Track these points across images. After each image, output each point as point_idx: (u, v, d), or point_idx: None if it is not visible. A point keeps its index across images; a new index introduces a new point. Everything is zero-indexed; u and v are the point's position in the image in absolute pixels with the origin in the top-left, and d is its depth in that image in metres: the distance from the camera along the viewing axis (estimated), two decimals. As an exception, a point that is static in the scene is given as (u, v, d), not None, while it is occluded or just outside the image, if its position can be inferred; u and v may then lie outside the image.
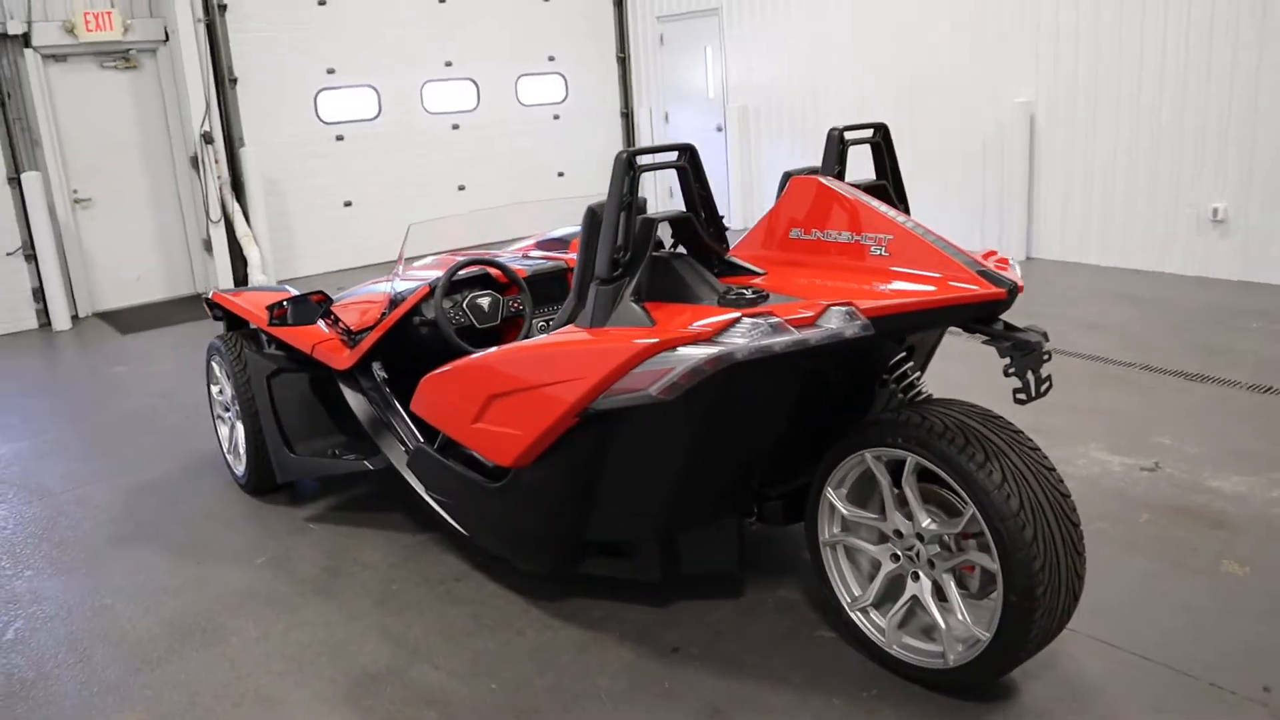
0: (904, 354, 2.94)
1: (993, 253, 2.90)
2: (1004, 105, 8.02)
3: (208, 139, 8.88)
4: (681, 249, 2.86)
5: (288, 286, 4.49)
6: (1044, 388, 2.52)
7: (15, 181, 8.18)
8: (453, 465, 3.28)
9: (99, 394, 6.44)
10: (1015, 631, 2.41)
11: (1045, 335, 2.51)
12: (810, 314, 2.37)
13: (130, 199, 9.03)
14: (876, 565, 2.78)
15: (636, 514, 2.86)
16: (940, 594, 2.62)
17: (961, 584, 2.61)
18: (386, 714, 2.84)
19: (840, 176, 3.06)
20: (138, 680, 3.14)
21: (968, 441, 2.43)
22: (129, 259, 9.08)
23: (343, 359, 3.89)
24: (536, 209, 5.98)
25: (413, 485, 3.60)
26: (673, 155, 2.79)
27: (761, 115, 10.31)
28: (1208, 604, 3.04)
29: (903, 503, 2.64)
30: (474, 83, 10.84)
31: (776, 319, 2.37)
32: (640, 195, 2.87)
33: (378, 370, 3.87)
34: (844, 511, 2.78)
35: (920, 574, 2.65)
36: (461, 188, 10.92)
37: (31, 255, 8.32)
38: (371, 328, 3.84)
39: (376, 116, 10.25)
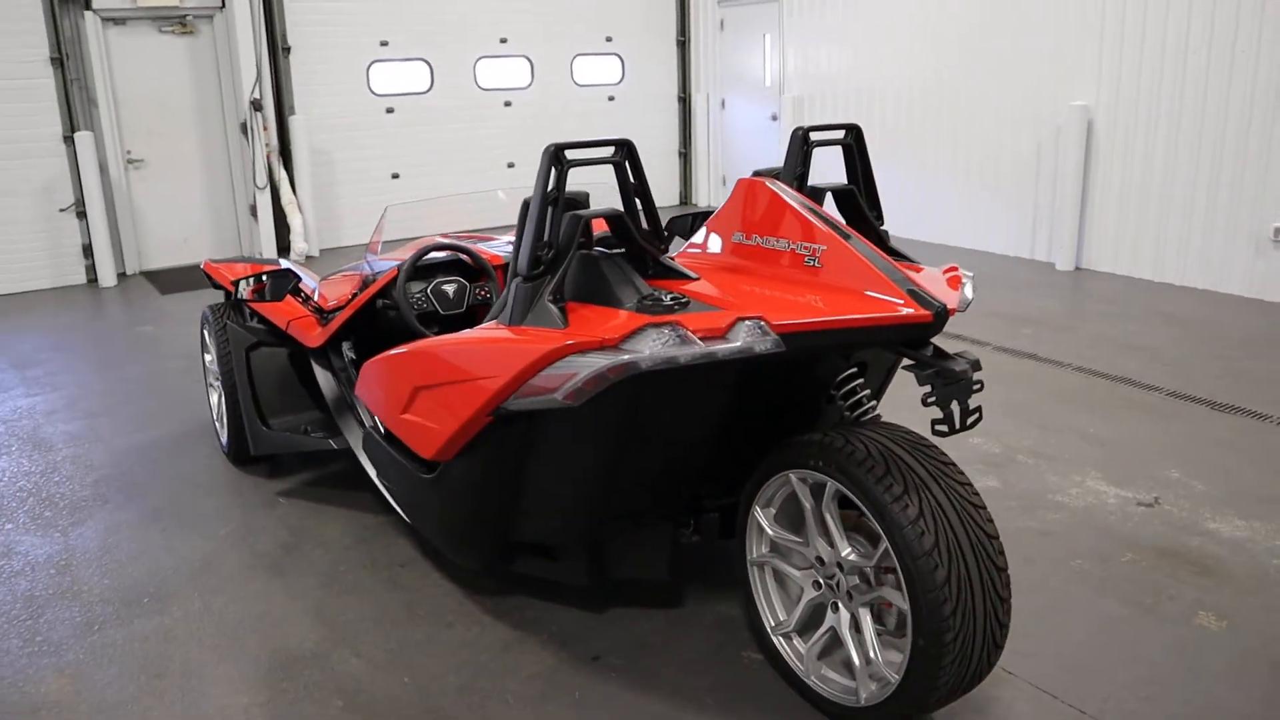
0: (853, 370, 2.78)
1: (953, 268, 2.72)
2: (1061, 108, 7.66)
3: (256, 106, 9.00)
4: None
5: (285, 260, 4.49)
6: (970, 420, 2.35)
7: (70, 140, 8.39)
8: (394, 453, 3.23)
9: (123, 352, 6.58)
10: (923, 676, 2.25)
11: (976, 364, 2.34)
12: (721, 326, 2.24)
13: (181, 162, 9.21)
14: (801, 590, 2.65)
15: (556, 516, 2.77)
16: (859, 627, 2.48)
17: (880, 620, 2.47)
18: (295, 699, 2.81)
19: (804, 179, 2.91)
20: (79, 643, 3.17)
21: (887, 470, 2.28)
22: (177, 220, 9.27)
23: (314, 337, 3.87)
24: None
25: (366, 468, 3.57)
26: (608, 150, 2.67)
27: (815, 107, 10.05)
28: (1169, 659, 2.83)
29: (827, 529, 2.50)
30: (528, 60, 10.79)
31: (683, 330, 2.24)
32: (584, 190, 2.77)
33: (347, 351, 3.84)
34: (770, 532, 2.65)
35: (840, 604, 2.51)
36: (511, 165, 10.90)
37: (83, 213, 8.55)
38: (343, 307, 3.81)
39: (428, 90, 10.27)
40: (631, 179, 2.70)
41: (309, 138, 9.49)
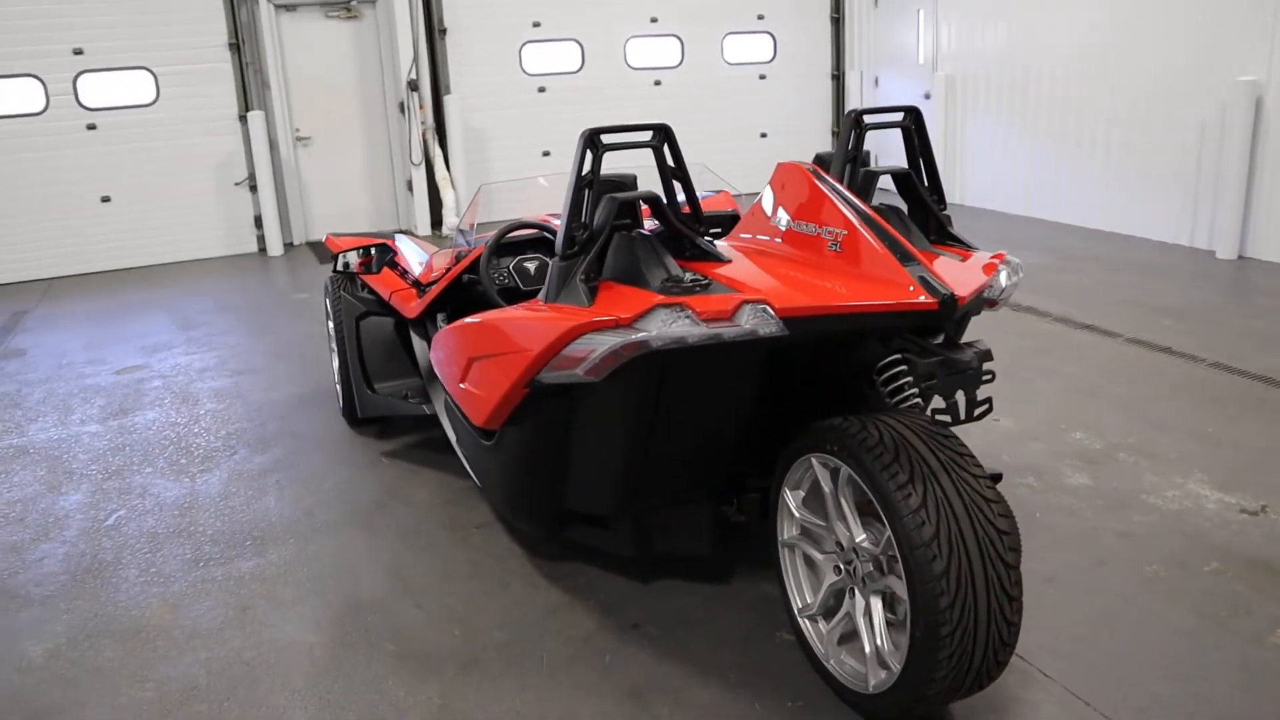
0: (897, 357, 2.73)
1: (999, 256, 2.64)
2: (1226, 84, 7.07)
3: (413, 86, 9.47)
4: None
5: (401, 236, 4.76)
6: (978, 411, 2.28)
7: (244, 119, 9.10)
8: (463, 419, 3.40)
9: (276, 317, 7.13)
10: (920, 669, 2.23)
11: (986, 354, 2.26)
12: (727, 309, 2.27)
13: (344, 139, 9.81)
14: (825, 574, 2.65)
15: (596, 488, 2.87)
16: (871, 614, 2.47)
17: (892, 608, 2.44)
18: (354, 641, 3.04)
19: (856, 162, 2.88)
20: (184, 576, 3.53)
21: (895, 458, 2.25)
22: (340, 194, 9.89)
23: (412, 308, 4.11)
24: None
25: (448, 434, 3.78)
26: (647, 135, 2.73)
27: (969, 85, 9.66)
28: (1227, 677, 2.66)
29: (843, 513, 2.49)
30: (678, 39, 10.85)
31: (690, 312, 2.29)
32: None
33: (440, 322, 4.06)
34: (797, 515, 2.66)
35: (856, 590, 2.50)
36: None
37: (254, 186, 9.26)
38: (436, 281, 4.02)
39: (579, 70, 10.51)
40: (670, 163, 2.75)
41: (463, 116, 9.91)
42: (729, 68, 11.11)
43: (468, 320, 3.07)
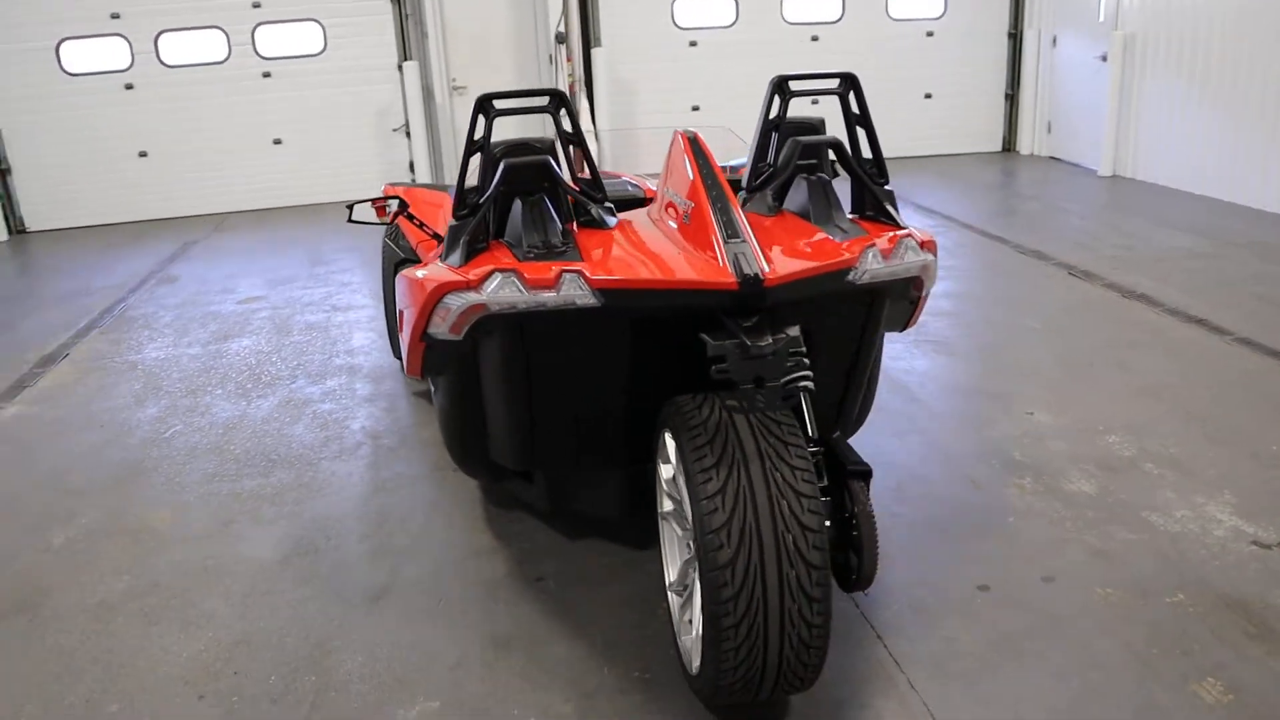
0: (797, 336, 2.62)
1: (904, 234, 2.46)
2: None
3: (560, 39, 9.65)
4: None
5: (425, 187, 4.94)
6: (780, 399, 2.15)
7: (401, 69, 9.61)
8: None
9: (393, 258, 7.57)
10: (710, 658, 2.17)
11: (794, 340, 2.13)
12: (550, 277, 2.27)
13: (497, 89, 10.13)
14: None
15: (500, 442, 2.94)
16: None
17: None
18: (296, 564, 3.28)
19: (779, 130, 2.76)
20: (198, 488, 3.89)
21: (709, 440, 2.19)
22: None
23: (430, 258, 4.28)
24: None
25: None
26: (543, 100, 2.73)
27: (1149, 46, 8.75)
28: None
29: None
30: (840, -8, 10.46)
31: (519, 278, 2.30)
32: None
33: None
34: (665, 489, 2.63)
35: (692, 569, 2.46)
36: (815, 101, 10.70)
37: (409, 133, 9.79)
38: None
39: (733, 24, 10.35)
40: (569, 129, 2.74)
41: (610, 70, 10.01)
42: (893, 24, 10.59)
43: (401, 272, 3.19)
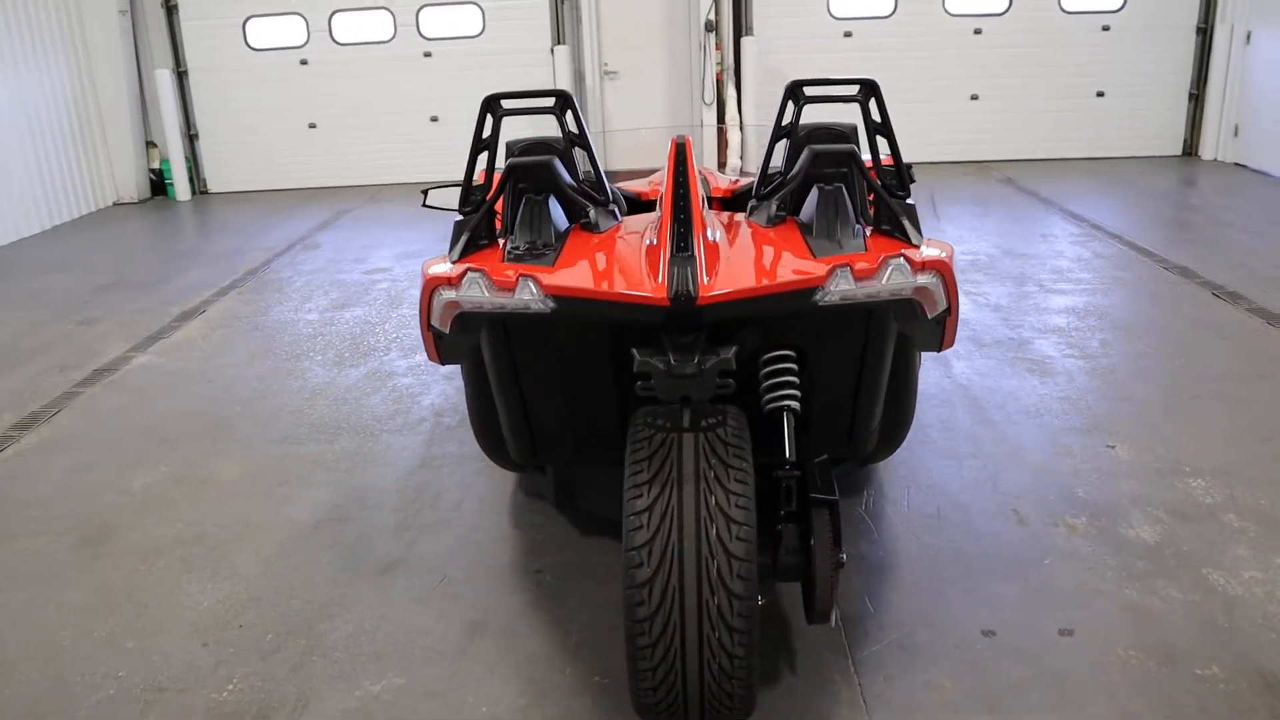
0: (786, 353, 2.53)
1: (894, 251, 2.33)
2: None
3: (709, 27, 9.58)
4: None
5: None
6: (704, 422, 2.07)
7: (553, 52, 9.80)
8: None
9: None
10: (631, 676, 2.14)
11: (724, 362, 2.04)
12: (511, 281, 2.29)
13: (647, 75, 10.21)
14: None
15: (506, 434, 2.98)
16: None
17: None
18: (327, 531, 3.45)
19: (791, 135, 2.65)
20: (268, 449, 4.15)
21: (649, 456, 2.14)
22: (639, 126, 10.34)
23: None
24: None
25: None
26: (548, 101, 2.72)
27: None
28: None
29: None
30: (1010, -18, 9.89)
31: (485, 280, 2.34)
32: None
33: None
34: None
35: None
36: (975, 97, 10.21)
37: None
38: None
39: (891, 14, 9.99)
40: (575, 129, 2.73)
41: (759, 59, 9.86)
42: (1065, 16, 9.91)
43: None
